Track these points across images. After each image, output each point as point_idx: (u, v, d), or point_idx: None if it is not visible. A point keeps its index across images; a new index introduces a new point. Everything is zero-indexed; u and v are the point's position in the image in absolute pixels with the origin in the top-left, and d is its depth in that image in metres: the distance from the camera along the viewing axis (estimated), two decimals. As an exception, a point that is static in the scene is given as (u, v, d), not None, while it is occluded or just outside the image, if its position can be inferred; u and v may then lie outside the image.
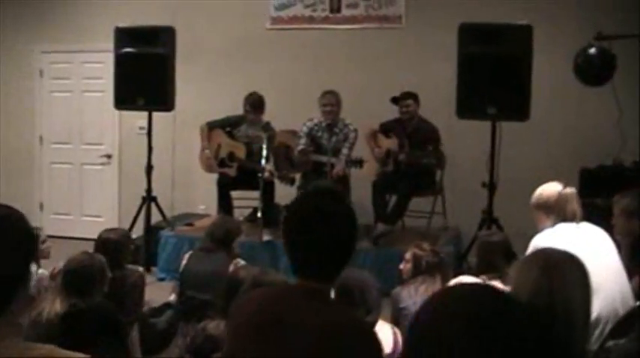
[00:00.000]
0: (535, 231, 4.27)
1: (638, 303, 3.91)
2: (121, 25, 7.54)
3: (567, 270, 2.12)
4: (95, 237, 5.02)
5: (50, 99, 9.31)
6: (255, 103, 7.45)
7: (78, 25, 8.99)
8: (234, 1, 8.61)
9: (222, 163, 7.53)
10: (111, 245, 4.91)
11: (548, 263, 2.14)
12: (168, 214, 8.01)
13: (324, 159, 7.23)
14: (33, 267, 4.63)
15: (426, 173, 7.35)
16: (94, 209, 9.17)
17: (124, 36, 7.44)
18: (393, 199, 7.42)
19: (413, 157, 7.12)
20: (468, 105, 6.64)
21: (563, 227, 4.24)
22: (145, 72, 7.33)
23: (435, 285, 4.60)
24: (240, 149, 7.47)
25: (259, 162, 7.06)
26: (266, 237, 7.09)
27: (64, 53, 9.12)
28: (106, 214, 9.06)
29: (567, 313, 2.08)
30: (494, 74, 6.51)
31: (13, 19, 9.25)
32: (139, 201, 7.65)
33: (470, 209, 7.18)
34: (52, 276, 4.69)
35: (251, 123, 7.48)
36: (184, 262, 5.48)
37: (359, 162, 7.15)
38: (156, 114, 7.68)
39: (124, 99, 7.48)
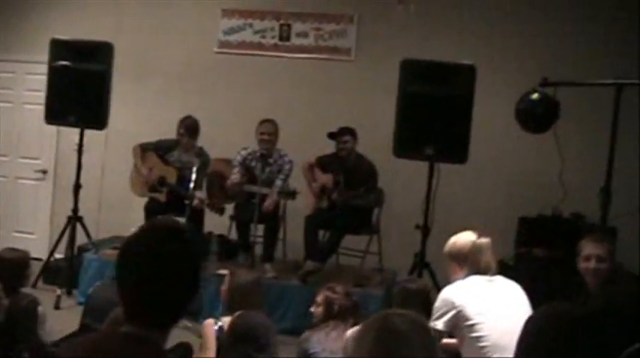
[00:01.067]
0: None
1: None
2: (62, 37, 7.25)
3: (407, 336, 1.82)
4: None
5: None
6: (189, 127, 7.15)
7: (24, 34, 8.68)
8: (183, 22, 8.35)
9: (152, 187, 7.22)
10: (7, 267, 4.57)
11: (385, 328, 1.85)
12: (96, 236, 7.66)
13: (255, 189, 6.93)
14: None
15: (362, 211, 7.08)
16: (26, 225, 8.80)
17: (60, 48, 7.10)
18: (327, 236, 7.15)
19: (346, 197, 6.86)
20: (406, 144, 6.39)
21: (475, 279, 3.97)
22: (79, 87, 7.01)
23: (347, 331, 4.33)
24: (171, 173, 7.15)
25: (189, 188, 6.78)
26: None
27: (7, 62, 8.80)
28: (37, 231, 8.70)
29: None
30: (434, 113, 6.27)
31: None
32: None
33: (405, 251, 6.89)
34: None
35: (184, 148, 7.18)
36: (92, 289, 5.15)
37: (291, 194, 6.87)
38: (90, 133, 7.34)
39: (55, 113, 7.15)
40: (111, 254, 7.28)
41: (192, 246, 2.16)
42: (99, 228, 7.96)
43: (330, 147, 7.23)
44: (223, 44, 8.24)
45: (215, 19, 8.23)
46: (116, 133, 7.87)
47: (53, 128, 8.16)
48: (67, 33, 7.51)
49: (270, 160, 7.12)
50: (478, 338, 3.78)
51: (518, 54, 7.47)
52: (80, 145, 7.24)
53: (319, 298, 4.73)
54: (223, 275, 5.30)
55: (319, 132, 7.34)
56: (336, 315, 4.58)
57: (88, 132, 7.25)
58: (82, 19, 8.44)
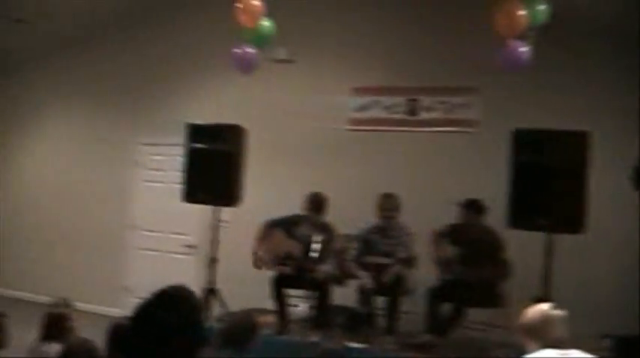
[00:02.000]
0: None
1: None
2: (199, 122, 7.81)
3: None
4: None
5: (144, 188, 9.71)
6: (314, 202, 7.39)
7: (174, 118, 9.37)
8: (314, 102, 8.70)
9: (279, 261, 7.48)
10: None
11: None
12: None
13: (372, 259, 7.03)
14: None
15: (487, 283, 6.97)
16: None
17: (195, 132, 7.65)
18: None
19: (469, 271, 6.83)
20: (519, 215, 6.29)
21: (547, 352, 3.85)
22: (212, 168, 7.49)
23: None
24: (297, 247, 7.39)
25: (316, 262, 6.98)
26: (314, 338, 6.92)
27: (159, 146, 9.51)
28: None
29: None
30: (547, 183, 6.15)
31: (113, 109, 9.81)
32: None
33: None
34: None
35: (310, 223, 7.41)
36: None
37: (409, 261, 6.92)
38: (233, 210, 7.80)
39: (191, 192, 7.65)
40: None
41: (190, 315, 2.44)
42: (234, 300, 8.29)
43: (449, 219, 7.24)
44: (353, 121, 8.52)
45: (345, 97, 8.55)
46: (250, 211, 8.25)
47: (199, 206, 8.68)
48: (212, 117, 8.07)
49: (391, 233, 7.21)
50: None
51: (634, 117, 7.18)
52: (214, 222, 7.69)
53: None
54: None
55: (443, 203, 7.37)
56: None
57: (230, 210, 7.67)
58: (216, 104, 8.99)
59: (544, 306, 4.03)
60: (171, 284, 2.68)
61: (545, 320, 3.92)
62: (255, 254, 7.55)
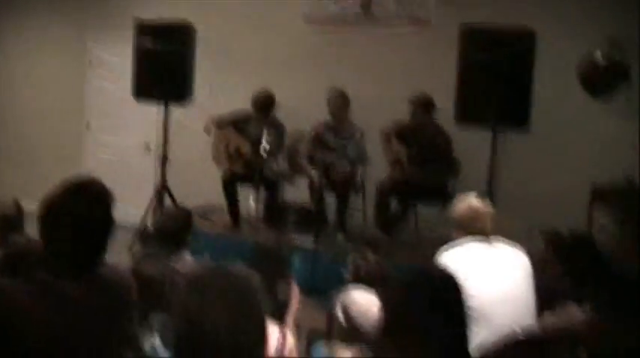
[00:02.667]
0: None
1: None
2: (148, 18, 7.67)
3: (207, 287, 1.90)
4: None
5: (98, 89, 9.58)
6: (257, 103, 7.39)
7: (127, 15, 9.15)
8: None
9: (229, 159, 7.48)
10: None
11: (191, 280, 1.93)
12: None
13: (327, 159, 7.04)
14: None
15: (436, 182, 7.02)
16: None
17: (142, 29, 7.53)
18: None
19: (419, 173, 6.87)
20: (467, 112, 6.30)
21: (472, 244, 3.92)
22: (161, 65, 7.38)
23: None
24: (245, 145, 7.38)
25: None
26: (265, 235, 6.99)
27: (112, 45, 9.33)
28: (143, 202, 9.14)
29: (209, 334, 1.87)
30: (494, 79, 6.13)
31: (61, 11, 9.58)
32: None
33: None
34: None
35: (260, 120, 7.37)
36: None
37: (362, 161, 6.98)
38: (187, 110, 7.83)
39: (142, 91, 7.57)
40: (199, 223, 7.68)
41: (103, 207, 2.49)
42: (185, 200, 8.31)
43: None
44: (308, 19, 8.37)
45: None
46: (203, 112, 8.19)
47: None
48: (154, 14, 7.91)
49: (342, 131, 7.20)
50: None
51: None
52: (165, 121, 7.64)
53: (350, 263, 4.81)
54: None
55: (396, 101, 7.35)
56: (362, 281, 4.62)
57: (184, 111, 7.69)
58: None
59: (471, 199, 4.08)
60: (81, 177, 2.67)
61: (470, 212, 3.98)
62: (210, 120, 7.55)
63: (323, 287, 6.53)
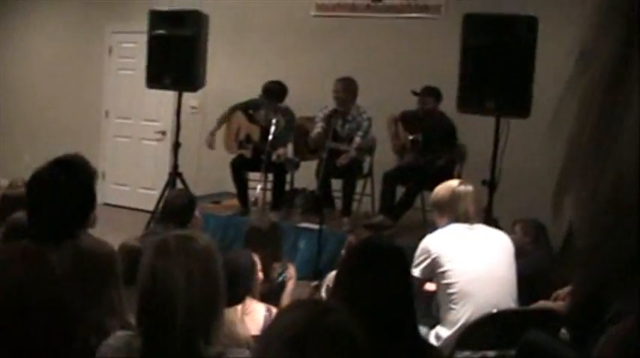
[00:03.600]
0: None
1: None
2: (161, 8, 7.83)
3: (172, 254, 2.07)
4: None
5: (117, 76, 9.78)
6: (267, 91, 7.47)
7: (144, 5, 9.32)
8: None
9: (240, 145, 7.65)
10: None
11: (158, 247, 2.10)
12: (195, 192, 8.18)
13: (334, 145, 7.14)
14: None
15: (442, 168, 7.11)
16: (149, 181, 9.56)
17: (156, 18, 7.68)
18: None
19: (423, 159, 6.97)
20: (469, 99, 6.36)
21: (455, 227, 4.03)
22: (174, 53, 7.54)
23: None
24: (256, 131, 7.54)
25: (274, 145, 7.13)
26: (272, 219, 7.13)
27: (130, 33, 9.51)
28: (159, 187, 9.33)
29: (168, 296, 2.04)
30: (496, 67, 6.20)
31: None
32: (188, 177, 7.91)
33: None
34: None
35: (269, 107, 7.52)
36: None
37: (369, 150, 7.06)
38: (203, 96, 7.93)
39: (154, 78, 7.73)
40: (210, 207, 7.87)
41: (83, 179, 2.63)
42: (198, 185, 8.49)
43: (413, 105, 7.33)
44: (319, 7, 8.49)
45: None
46: (217, 97, 8.35)
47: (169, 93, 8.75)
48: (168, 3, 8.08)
49: (349, 117, 7.33)
50: (448, 285, 3.86)
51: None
52: (178, 107, 7.80)
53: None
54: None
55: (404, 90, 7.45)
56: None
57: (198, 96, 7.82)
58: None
59: (453, 183, 4.19)
60: (68, 154, 2.83)
61: (453, 196, 4.09)
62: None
63: (327, 270, 6.72)
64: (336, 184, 7.55)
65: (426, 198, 7.30)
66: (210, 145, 7.64)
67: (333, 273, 4.40)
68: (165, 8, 7.82)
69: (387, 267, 2.34)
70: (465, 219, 4.01)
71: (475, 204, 4.06)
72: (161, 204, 5.53)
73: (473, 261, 3.86)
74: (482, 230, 4.04)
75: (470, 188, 4.10)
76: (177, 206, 4.86)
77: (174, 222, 4.83)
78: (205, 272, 2.10)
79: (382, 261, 2.35)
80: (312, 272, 6.54)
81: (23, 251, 2.53)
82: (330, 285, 4.34)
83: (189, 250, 2.10)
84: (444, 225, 4.06)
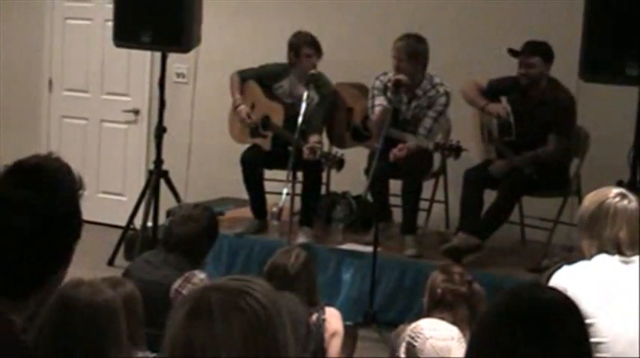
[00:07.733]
0: None
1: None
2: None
3: (217, 318, 2.00)
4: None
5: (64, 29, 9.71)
6: (307, 43, 7.40)
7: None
8: None
9: (253, 131, 7.57)
10: None
11: (196, 306, 2.04)
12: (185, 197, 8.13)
13: (395, 134, 7.06)
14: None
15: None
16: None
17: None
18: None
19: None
20: (596, 64, 6.36)
21: (603, 259, 3.93)
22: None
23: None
24: (277, 112, 7.46)
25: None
26: (301, 239, 7.09)
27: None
28: (130, 192, 9.26)
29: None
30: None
31: None
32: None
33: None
34: None
35: (298, 76, 7.44)
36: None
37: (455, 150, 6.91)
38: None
39: (126, 33, 7.65)
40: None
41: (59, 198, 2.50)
42: (189, 188, 8.41)
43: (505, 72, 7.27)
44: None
45: None
46: (209, 59, 8.29)
47: (144, 55, 8.73)
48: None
49: (418, 92, 7.25)
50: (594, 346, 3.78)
51: None
52: (162, 76, 7.73)
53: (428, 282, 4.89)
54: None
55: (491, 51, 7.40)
56: (439, 303, 4.70)
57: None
58: None
59: (606, 192, 4.05)
60: (35, 155, 2.61)
61: (597, 213, 3.98)
62: (235, 108, 7.64)
63: (385, 313, 6.67)
64: (395, 187, 7.44)
65: (527, 207, 7.24)
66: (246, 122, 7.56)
67: (415, 325, 4.36)
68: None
69: (563, 335, 2.26)
70: (615, 246, 3.92)
71: (631, 226, 3.96)
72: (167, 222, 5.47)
73: (625, 314, 3.77)
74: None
75: (631, 203, 3.98)
76: (189, 234, 4.86)
77: (184, 256, 4.79)
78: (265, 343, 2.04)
79: (556, 328, 2.27)
80: (363, 316, 6.51)
81: None
82: (412, 341, 4.31)
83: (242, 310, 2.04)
84: (591, 255, 3.97)
